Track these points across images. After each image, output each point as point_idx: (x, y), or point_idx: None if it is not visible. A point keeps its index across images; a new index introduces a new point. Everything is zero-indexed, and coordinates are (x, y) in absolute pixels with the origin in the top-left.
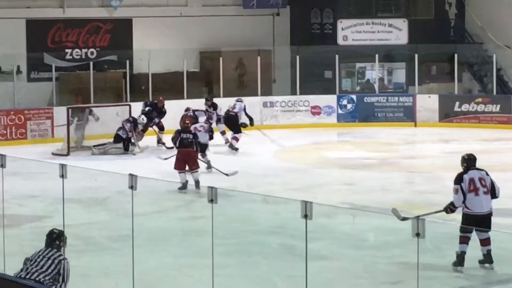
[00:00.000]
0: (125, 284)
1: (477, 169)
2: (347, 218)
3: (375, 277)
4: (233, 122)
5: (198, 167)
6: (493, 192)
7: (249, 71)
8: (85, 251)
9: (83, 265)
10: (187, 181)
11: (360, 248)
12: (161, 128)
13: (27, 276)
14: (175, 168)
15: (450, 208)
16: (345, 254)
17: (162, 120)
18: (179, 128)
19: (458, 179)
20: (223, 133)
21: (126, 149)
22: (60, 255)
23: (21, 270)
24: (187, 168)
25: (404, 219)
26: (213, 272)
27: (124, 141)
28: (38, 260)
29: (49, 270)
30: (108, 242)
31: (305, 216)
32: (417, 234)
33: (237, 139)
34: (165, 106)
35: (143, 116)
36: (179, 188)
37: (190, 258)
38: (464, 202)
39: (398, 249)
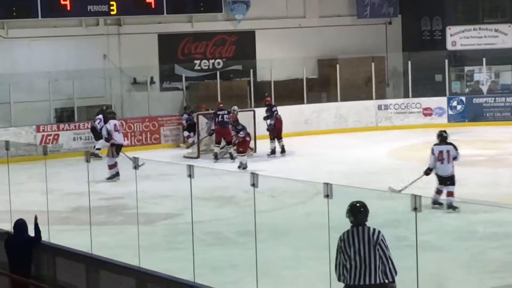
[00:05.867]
0: (250, 275)
1: None
2: (457, 211)
3: (484, 266)
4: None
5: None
6: None
7: (364, 76)
8: (214, 245)
9: (213, 258)
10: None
11: (470, 239)
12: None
13: None
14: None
15: None
16: (455, 245)
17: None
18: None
19: None
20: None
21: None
22: None
23: None
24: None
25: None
26: (330, 263)
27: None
28: None
29: None
30: (234, 236)
31: (415, 209)
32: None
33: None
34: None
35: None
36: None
37: (308, 250)
38: None
39: (507, 240)
